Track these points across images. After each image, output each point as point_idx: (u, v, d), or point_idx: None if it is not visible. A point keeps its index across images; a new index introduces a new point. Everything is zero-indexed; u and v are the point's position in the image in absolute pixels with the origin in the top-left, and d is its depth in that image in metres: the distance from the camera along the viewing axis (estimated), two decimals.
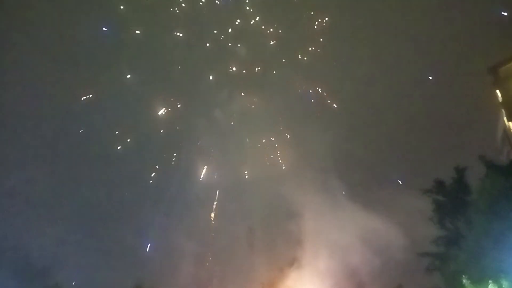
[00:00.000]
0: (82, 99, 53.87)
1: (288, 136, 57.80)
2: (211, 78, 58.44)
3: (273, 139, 57.47)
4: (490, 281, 19.69)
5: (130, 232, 52.38)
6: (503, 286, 19.35)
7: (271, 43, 58.76)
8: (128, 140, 55.78)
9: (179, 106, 57.87)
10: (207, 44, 58.07)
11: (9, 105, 51.76)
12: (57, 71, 54.13)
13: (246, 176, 55.82)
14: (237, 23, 58.55)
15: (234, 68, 57.87)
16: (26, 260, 42.75)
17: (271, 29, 58.67)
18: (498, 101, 43.31)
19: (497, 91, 43.06)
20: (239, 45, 57.97)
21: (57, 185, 53.13)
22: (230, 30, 57.99)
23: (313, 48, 58.57)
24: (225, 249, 52.43)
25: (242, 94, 58.40)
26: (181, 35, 56.69)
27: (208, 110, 58.32)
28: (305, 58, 58.94)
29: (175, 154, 58.36)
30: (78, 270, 46.31)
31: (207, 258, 51.63)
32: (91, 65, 55.83)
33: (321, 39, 58.76)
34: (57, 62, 54.74)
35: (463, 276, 21.24)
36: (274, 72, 59.21)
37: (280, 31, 59.15)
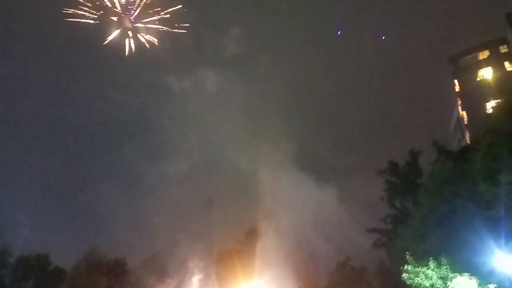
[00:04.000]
0: None
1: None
2: None
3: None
4: (431, 258, 20.84)
5: (88, 198, 51.25)
6: (442, 263, 20.54)
7: None
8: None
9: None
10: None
11: None
12: None
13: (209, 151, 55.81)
14: None
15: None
16: None
17: None
18: (455, 90, 45.22)
19: (455, 80, 44.85)
20: None
21: (14, 148, 50.79)
22: None
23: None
24: (183, 219, 52.61)
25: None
26: None
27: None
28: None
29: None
30: (31, 232, 45.10)
31: (164, 227, 51.59)
32: None
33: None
34: None
35: (407, 252, 22.45)
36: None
37: None
